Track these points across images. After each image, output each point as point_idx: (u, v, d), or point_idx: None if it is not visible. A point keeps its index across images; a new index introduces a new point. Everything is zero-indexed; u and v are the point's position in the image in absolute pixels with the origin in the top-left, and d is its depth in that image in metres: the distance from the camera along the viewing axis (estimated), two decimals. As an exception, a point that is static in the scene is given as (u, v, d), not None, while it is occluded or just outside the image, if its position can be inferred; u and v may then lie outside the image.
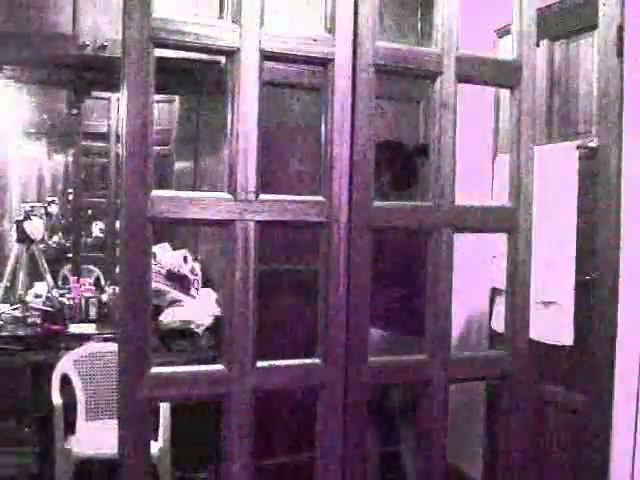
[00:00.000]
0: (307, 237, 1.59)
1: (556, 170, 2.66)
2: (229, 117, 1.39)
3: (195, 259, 3.65)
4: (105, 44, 2.94)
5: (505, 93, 2.19)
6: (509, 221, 1.62)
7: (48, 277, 3.61)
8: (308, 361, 1.48)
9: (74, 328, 3.28)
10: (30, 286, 3.59)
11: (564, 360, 2.77)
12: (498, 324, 2.97)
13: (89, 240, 4.03)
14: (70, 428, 2.91)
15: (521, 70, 1.61)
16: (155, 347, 2.99)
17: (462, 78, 1.56)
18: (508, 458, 1.66)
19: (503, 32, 3.06)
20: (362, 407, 1.51)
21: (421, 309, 1.59)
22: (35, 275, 3.62)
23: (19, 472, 2.89)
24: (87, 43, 2.95)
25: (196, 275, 3.56)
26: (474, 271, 3.10)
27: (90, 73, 3.38)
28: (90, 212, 4.07)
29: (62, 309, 3.41)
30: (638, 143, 2.41)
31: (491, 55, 2.93)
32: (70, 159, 3.90)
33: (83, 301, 3.53)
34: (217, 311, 3.30)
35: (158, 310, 3.26)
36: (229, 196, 1.38)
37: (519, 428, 1.65)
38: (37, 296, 3.51)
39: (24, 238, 3.55)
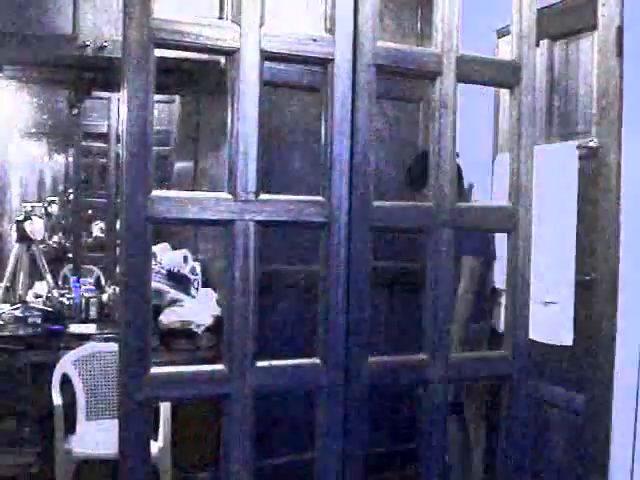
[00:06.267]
0: (307, 237, 1.59)
1: (556, 170, 2.66)
2: (229, 117, 1.39)
3: (195, 259, 3.65)
4: (105, 44, 2.94)
5: (505, 93, 2.19)
6: (509, 221, 1.62)
7: (48, 277, 3.60)
8: (308, 361, 1.48)
9: (74, 328, 3.28)
10: (30, 286, 3.59)
11: (564, 360, 2.77)
12: (499, 324, 2.96)
13: (89, 240, 4.03)
14: (70, 428, 2.91)
15: (521, 70, 1.61)
16: (155, 347, 2.99)
17: (462, 78, 1.56)
18: (508, 458, 1.66)
19: (503, 32, 3.06)
20: (362, 407, 1.50)
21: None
22: (35, 275, 3.62)
23: (19, 472, 2.89)
24: (87, 43, 2.95)
25: (196, 275, 3.56)
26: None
27: (90, 73, 3.38)
28: (90, 212, 4.07)
29: (62, 309, 3.41)
30: (638, 143, 2.41)
31: (491, 55, 2.96)
32: (70, 159, 3.90)
33: (83, 301, 3.53)
34: (217, 311, 3.30)
35: (158, 310, 3.26)
36: (229, 196, 1.38)
37: (519, 428, 1.65)
38: (37, 296, 3.51)
39: (24, 238, 3.55)
